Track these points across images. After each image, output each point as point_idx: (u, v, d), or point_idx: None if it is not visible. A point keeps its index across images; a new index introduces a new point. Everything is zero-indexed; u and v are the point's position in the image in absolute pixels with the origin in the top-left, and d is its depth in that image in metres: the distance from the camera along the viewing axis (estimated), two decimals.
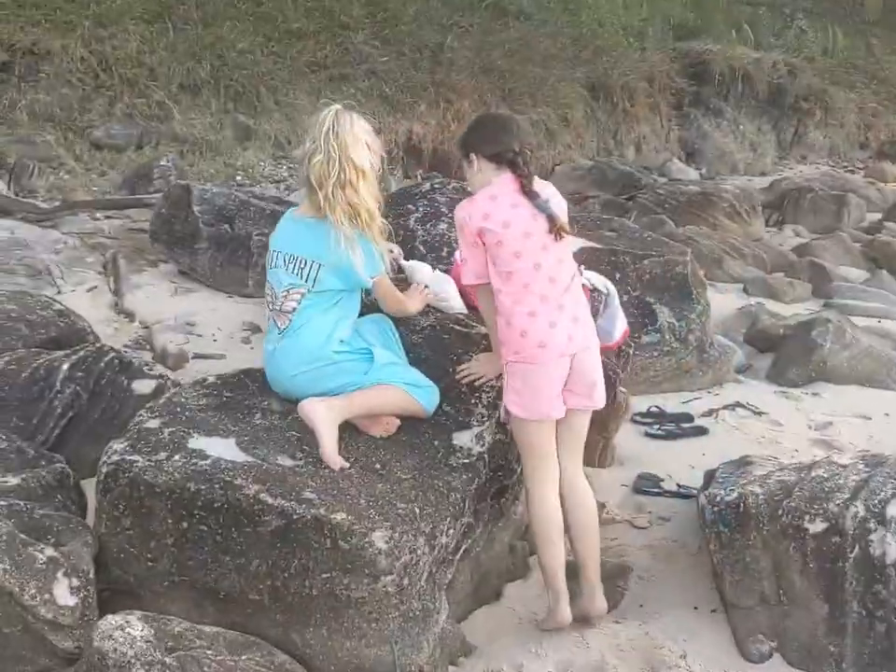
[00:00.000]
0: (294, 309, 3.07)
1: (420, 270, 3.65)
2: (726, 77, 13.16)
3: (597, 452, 4.06)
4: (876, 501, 2.86)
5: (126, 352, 4.40)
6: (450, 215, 3.90)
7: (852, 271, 7.76)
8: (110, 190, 8.20)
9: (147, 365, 4.14)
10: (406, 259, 3.77)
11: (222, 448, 2.87)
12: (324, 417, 2.88)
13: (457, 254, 3.34)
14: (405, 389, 3.06)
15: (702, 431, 4.63)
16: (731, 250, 7.73)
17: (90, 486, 3.08)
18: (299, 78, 10.02)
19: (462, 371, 3.24)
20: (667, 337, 5.09)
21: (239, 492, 2.70)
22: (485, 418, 3.11)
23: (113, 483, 2.81)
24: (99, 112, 8.93)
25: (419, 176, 9.50)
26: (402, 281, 3.58)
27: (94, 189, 8.21)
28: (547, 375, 2.92)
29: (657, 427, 4.63)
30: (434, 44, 11.20)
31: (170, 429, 2.96)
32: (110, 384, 3.86)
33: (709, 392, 5.14)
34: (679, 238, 7.14)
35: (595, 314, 3.32)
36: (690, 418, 4.75)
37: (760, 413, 4.86)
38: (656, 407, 4.81)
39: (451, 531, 2.81)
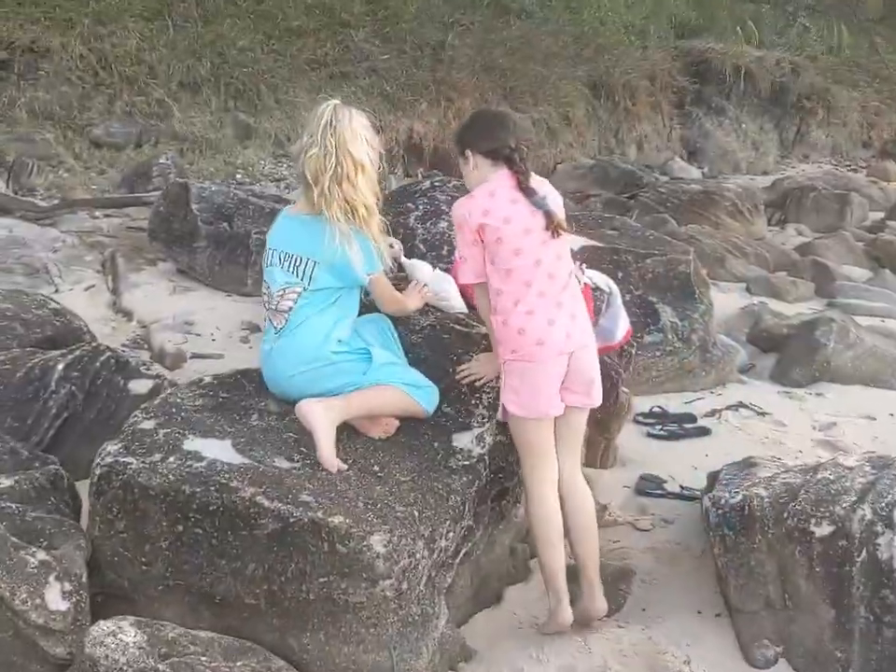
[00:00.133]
0: (290, 308, 3.02)
1: (420, 268, 3.61)
2: (728, 75, 13.11)
3: (599, 452, 4.04)
4: (884, 504, 2.82)
5: (124, 351, 4.38)
6: (450, 213, 3.86)
7: (855, 270, 7.74)
8: (109, 189, 8.17)
9: (143, 365, 4.12)
10: (406, 257, 3.73)
11: (218, 450, 2.84)
12: (322, 418, 2.84)
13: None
14: (404, 390, 3.02)
15: (705, 432, 4.59)
16: (733, 249, 7.71)
17: (85, 488, 3.03)
18: (299, 76, 9.99)
19: (462, 371, 3.20)
20: (670, 337, 5.06)
21: (235, 494, 2.66)
22: (486, 419, 3.07)
23: (106, 485, 2.77)
24: (98, 110, 8.90)
25: (420, 175, 9.47)
26: (402, 279, 3.55)
27: (93, 187, 8.18)
28: (545, 373, 2.89)
29: (660, 427, 4.60)
30: (435, 42, 11.17)
31: (165, 431, 2.92)
32: (106, 384, 3.83)
33: (712, 392, 5.11)
34: (682, 237, 7.10)
35: (597, 313, 3.28)
36: (692, 418, 4.71)
37: (763, 414, 4.83)
38: (659, 407, 4.78)
39: (450, 534, 2.77)
